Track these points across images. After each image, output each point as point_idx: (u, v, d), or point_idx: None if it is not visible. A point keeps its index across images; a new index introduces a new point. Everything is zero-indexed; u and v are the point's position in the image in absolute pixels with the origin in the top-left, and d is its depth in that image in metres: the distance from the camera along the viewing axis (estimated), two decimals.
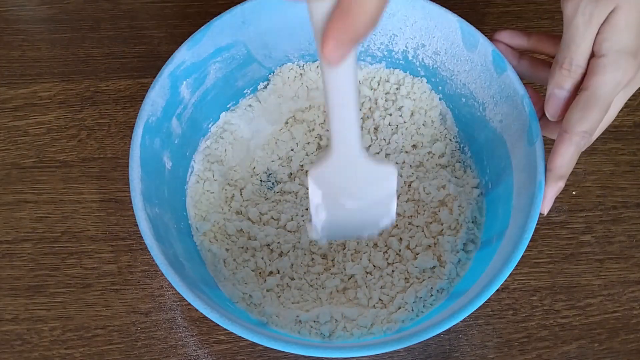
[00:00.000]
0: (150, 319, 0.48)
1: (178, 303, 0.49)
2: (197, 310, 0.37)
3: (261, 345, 0.47)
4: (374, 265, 0.46)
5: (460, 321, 0.37)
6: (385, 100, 0.51)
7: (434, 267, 0.46)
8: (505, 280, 0.38)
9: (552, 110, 0.41)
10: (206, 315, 0.37)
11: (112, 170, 0.53)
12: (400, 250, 0.47)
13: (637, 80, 0.40)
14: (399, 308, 0.44)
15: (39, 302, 0.48)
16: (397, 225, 0.48)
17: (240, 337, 0.47)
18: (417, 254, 0.46)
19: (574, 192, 0.53)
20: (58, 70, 0.57)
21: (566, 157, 0.39)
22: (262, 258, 0.46)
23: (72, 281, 0.49)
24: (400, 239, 0.47)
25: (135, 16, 0.59)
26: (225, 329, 0.38)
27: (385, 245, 0.47)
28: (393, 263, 0.46)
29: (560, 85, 0.40)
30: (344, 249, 0.47)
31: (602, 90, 0.38)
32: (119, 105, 0.55)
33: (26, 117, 0.55)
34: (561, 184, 0.40)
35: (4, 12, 0.59)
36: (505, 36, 0.46)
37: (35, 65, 0.57)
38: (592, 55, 0.39)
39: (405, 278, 0.46)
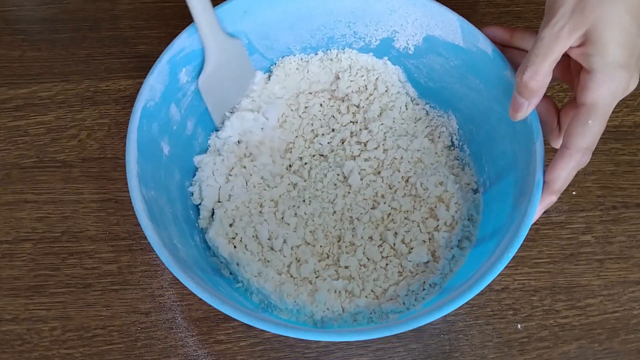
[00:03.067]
0: (150, 319, 0.48)
1: (178, 303, 0.49)
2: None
3: (261, 345, 0.47)
4: (368, 258, 0.46)
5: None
6: (388, 94, 0.51)
7: (428, 262, 0.46)
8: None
9: (511, 111, 0.41)
10: (198, 295, 0.37)
11: (112, 170, 0.53)
12: (395, 244, 0.47)
13: (626, 92, 0.40)
14: (390, 299, 0.44)
15: (39, 302, 0.48)
16: (393, 219, 0.48)
17: (240, 337, 0.47)
18: (412, 249, 0.46)
19: (574, 192, 0.53)
20: (58, 70, 0.57)
21: (564, 172, 0.39)
22: (260, 248, 0.47)
23: (72, 281, 0.49)
24: (396, 233, 0.47)
25: (135, 16, 0.59)
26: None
27: (381, 239, 0.47)
28: (387, 257, 0.46)
29: (521, 93, 0.40)
30: (339, 241, 0.48)
31: (601, 103, 0.38)
32: (119, 105, 0.55)
33: (26, 117, 0.55)
34: (554, 198, 0.40)
35: (4, 12, 0.59)
36: (490, 31, 0.46)
37: (35, 65, 0.57)
38: (583, 71, 0.38)
39: (399, 272, 0.46)
